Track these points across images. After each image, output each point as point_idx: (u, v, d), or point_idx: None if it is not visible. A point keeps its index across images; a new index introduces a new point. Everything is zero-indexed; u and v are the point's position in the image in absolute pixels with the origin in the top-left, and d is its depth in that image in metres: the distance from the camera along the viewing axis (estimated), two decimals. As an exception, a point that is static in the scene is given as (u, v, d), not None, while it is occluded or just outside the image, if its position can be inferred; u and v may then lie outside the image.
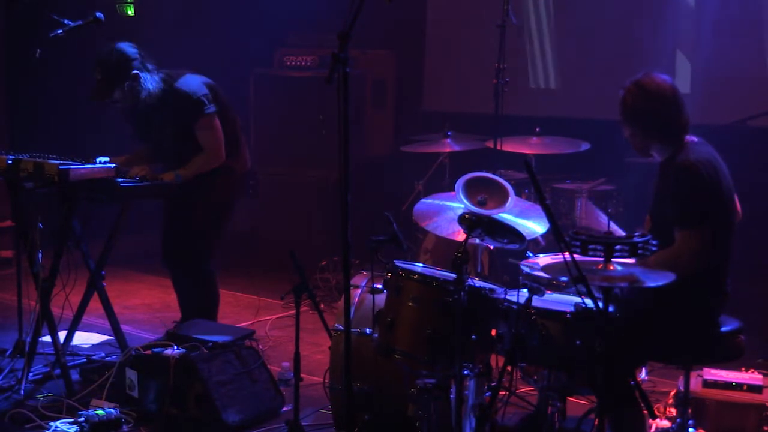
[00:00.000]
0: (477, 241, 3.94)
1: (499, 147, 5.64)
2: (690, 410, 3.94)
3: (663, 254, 3.56)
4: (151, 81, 4.93)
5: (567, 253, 3.12)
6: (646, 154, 3.85)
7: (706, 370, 4.32)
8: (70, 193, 4.68)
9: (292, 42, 7.81)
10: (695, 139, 3.79)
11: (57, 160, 4.67)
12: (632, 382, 3.56)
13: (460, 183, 4.45)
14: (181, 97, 4.96)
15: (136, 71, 4.89)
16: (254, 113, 7.57)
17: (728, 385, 4.23)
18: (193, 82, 5.02)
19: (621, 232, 3.94)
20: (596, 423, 3.25)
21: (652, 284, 3.20)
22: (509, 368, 3.67)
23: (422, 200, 4.69)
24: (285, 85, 7.46)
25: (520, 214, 4.40)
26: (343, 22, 3.36)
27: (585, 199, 6.01)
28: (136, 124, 5.17)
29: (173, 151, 5.09)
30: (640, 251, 3.18)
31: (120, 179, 4.68)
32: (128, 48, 4.94)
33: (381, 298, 3.91)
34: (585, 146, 6.10)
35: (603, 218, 3.84)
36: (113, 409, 4.30)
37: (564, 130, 6.32)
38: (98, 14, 5.09)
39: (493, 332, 3.75)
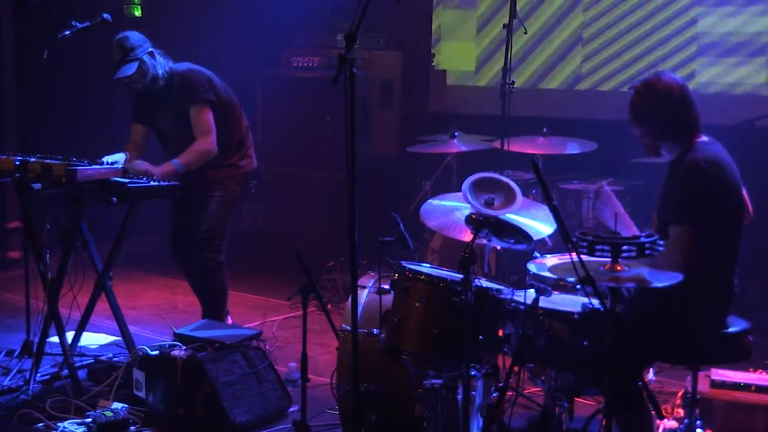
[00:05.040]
0: (484, 241, 3.94)
1: (506, 147, 5.63)
2: (698, 411, 3.93)
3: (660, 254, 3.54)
4: (159, 66, 5.15)
5: (574, 253, 3.11)
6: (656, 154, 3.84)
7: (714, 370, 4.31)
8: (78, 194, 4.69)
9: (298, 43, 7.82)
10: (705, 138, 3.78)
11: (64, 160, 4.69)
12: (640, 383, 3.55)
13: (467, 183, 4.43)
14: (182, 80, 5.19)
15: (151, 50, 5.12)
16: (261, 114, 7.57)
17: (736, 386, 4.22)
18: (195, 71, 5.25)
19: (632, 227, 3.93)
20: (604, 423, 3.24)
21: (659, 285, 3.19)
22: (516, 369, 3.66)
23: (429, 201, 4.68)
24: (292, 86, 7.47)
25: (528, 215, 4.39)
26: (350, 23, 3.36)
27: (592, 200, 6.00)
28: (140, 107, 5.33)
29: (174, 135, 5.24)
30: (647, 251, 3.18)
31: (127, 180, 4.70)
32: (141, 35, 5.19)
33: (388, 299, 3.91)
34: (592, 147, 6.09)
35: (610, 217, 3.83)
36: (121, 409, 4.31)
37: (571, 130, 6.31)
38: (105, 15, 5.15)
39: (501, 333, 3.74)
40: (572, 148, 6.06)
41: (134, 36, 5.12)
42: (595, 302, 3.23)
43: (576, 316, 3.56)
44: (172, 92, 5.18)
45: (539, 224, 4.33)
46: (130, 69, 5.06)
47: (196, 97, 5.15)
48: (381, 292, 3.97)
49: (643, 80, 3.82)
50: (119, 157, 4.99)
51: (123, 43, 5.07)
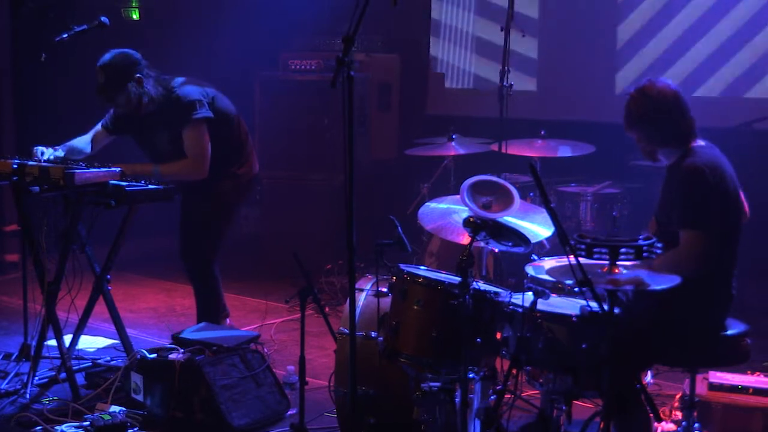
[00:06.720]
0: (482, 244, 3.94)
1: (504, 150, 5.63)
2: (696, 413, 3.93)
3: (667, 256, 3.55)
4: (152, 87, 4.98)
5: (572, 256, 3.11)
6: (654, 159, 3.86)
7: (711, 373, 4.32)
8: (76, 197, 4.68)
9: (296, 46, 7.82)
10: (703, 142, 3.79)
11: (62, 163, 4.68)
12: (638, 386, 3.55)
13: (465, 186, 4.44)
14: (176, 100, 5.00)
15: (139, 75, 4.93)
16: (259, 117, 7.57)
17: (734, 388, 4.22)
18: (189, 88, 5.06)
19: None
20: (602, 426, 3.24)
21: (657, 287, 3.19)
22: (514, 371, 3.66)
23: (427, 203, 4.68)
24: (290, 89, 7.47)
25: (525, 218, 4.39)
26: (348, 26, 3.37)
27: (590, 203, 6.01)
28: (120, 120, 5.20)
29: (170, 156, 5.08)
30: (645, 254, 3.18)
31: (125, 183, 4.70)
32: (132, 54, 5.00)
33: (386, 302, 3.91)
34: (590, 149, 6.09)
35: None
36: (119, 412, 4.30)
37: (569, 133, 6.32)
38: (103, 19, 5.12)
39: (498, 335, 3.74)
40: (570, 150, 6.07)
41: (121, 59, 4.93)
42: (593, 305, 3.23)
43: (574, 319, 3.56)
44: (166, 113, 5.01)
45: (537, 227, 4.33)
46: (114, 96, 4.93)
47: (190, 116, 4.97)
48: (379, 295, 3.97)
49: (637, 86, 3.84)
50: (51, 153, 4.88)
51: (108, 68, 4.90)
